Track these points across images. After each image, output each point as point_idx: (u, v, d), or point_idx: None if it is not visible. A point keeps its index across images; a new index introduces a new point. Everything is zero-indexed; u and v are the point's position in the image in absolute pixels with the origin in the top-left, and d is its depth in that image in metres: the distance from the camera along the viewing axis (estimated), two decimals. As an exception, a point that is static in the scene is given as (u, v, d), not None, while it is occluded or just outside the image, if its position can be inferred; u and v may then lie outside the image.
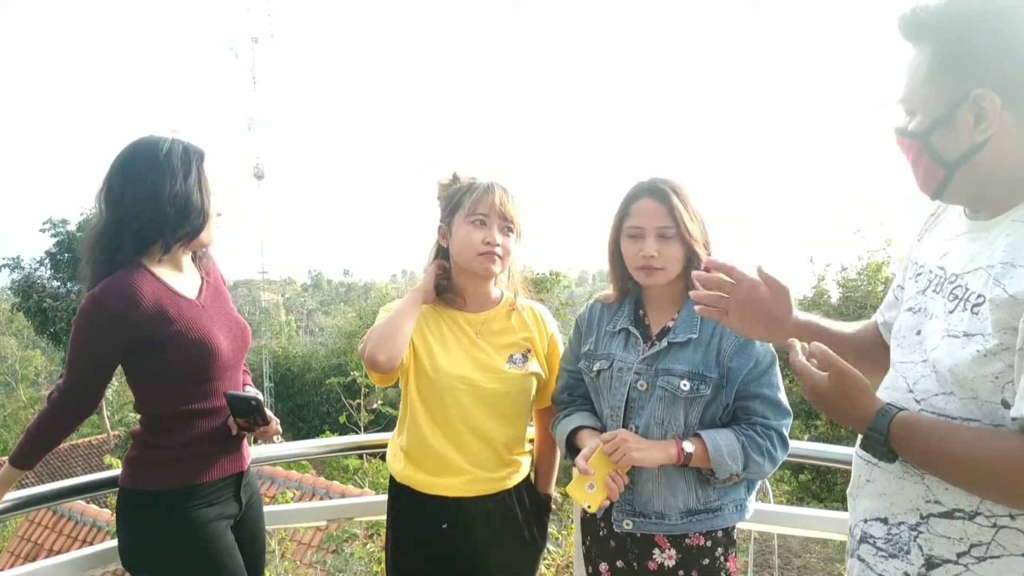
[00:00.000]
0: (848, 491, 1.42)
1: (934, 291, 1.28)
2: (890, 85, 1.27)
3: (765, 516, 2.36)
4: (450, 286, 2.02)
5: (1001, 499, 1.11)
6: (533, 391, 2.03)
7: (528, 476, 2.10)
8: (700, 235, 1.84)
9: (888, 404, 1.21)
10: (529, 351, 2.02)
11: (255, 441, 2.13)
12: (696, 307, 1.50)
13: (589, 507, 1.77)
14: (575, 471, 1.80)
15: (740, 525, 1.91)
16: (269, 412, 2.02)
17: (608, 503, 1.79)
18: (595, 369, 1.91)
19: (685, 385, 1.78)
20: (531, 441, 2.18)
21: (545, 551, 4.07)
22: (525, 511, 2.04)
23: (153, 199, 1.85)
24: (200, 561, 1.89)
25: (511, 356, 1.99)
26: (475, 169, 2.04)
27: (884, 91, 1.29)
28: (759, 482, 1.94)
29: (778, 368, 1.84)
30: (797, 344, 1.29)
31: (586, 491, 1.76)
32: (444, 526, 1.95)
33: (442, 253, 2.05)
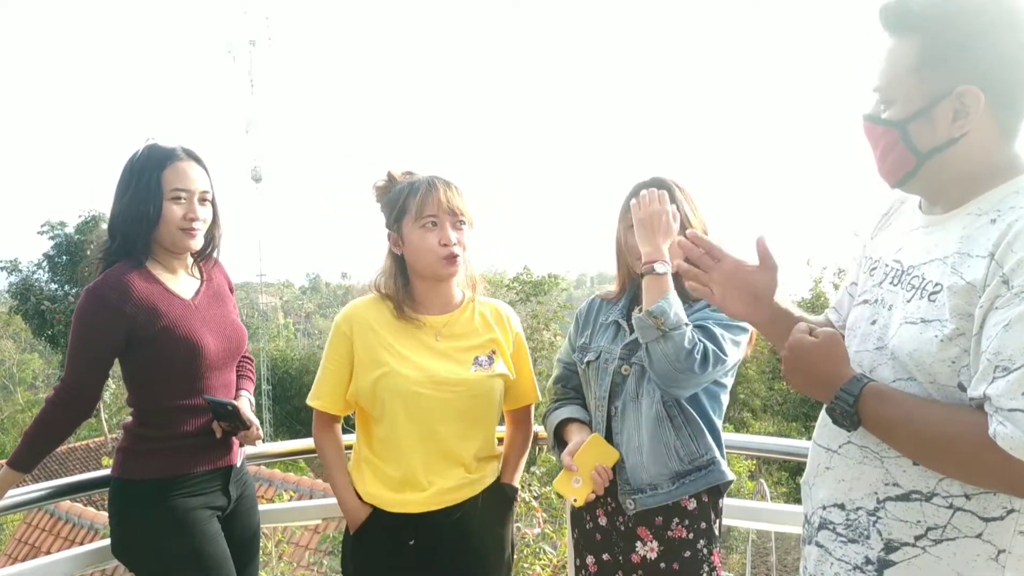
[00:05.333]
0: (803, 480, 1.45)
1: (891, 283, 1.31)
2: (865, 73, 1.28)
3: (764, 515, 2.36)
4: (408, 293, 1.92)
5: (954, 471, 1.15)
6: (500, 393, 1.96)
7: (497, 479, 2.02)
8: (700, 229, 1.88)
9: (863, 374, 1.25)
10: (495, 352, 1.95)
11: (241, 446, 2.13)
12: (686, 283, 1.49)
13: (575, 501, 1.84)
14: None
15: (739, 524, 1.91)
16: (253, 417, 2.04)
17: (594, 496, 1.85)
18: (585, 360, 1.98)
19: None
20: (500, 440, 2.12)
21: (542, 551, 4.08)
22: (493, 513, 1.98)
23: (114, 207, 1.97)
24: (182, 547, 1.91)
25: (476, 358, 1.91)
26: (409, 165, 1.97)
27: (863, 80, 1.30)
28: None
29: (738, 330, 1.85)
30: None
31: (572, 486, 1.82)
32: (411, 542, 1.89)
33: (398, 261, 1.94)
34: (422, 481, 1.87)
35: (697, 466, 1.85)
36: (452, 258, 1.84)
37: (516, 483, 2.09)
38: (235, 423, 1.98)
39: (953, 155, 1.20)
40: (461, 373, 1.88)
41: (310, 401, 1.95)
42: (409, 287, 1.94)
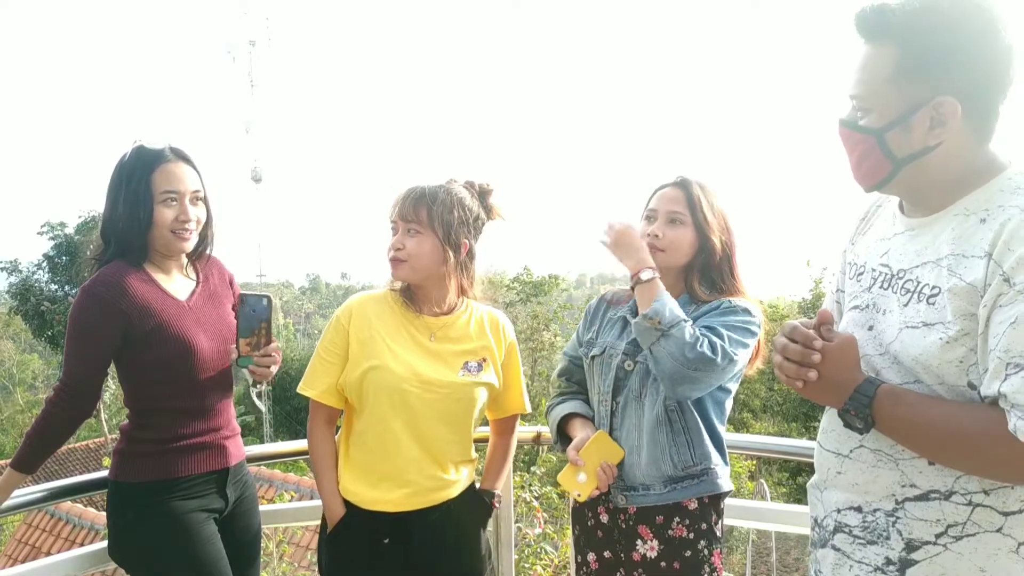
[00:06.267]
0: (811, 483, 1.44)
1: (881, 287, 1.31)
2: (841, 77, 1.28)
3: (764, 515, 2.37)
4: (408, 290, 1.99)
5: (973, 467, 1.16)
6: (483, 400, 1.98)
7: (472, 484, 2.05)
8: (719, 229, 1.91)
9: (874, 376, 1.24)
10: (485, 360, 1.99)
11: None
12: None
13: (579, 496, 1.85)
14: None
15: (739, 524, 1.91)
16: (275, 339, 2.01)
17: (597, 493, 1.86)
18: (591, 355, 2.00)
19: None
20: (481, 441, 2.15)
21: (543, 551, 4.09)
22: (469, 517, 2.01)
23: (105, 212, 1.97)
24: (178, 549, 1.91)
25: (466, 363, 1.96)
26: (411, 165, 2.03)
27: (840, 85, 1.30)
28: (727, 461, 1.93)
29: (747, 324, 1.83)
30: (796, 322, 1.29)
31: (577, 480, 1.84)
32: (386, 541, 1.91)
33: None
34: (399, 478, 1.90)
35: (690, 474, 1.85)
36: (392, 261, 1.92)
37: (497, 489, 2.12)
38: (259, 332, 1.93)
39: (930, 161, 1.21)
40: (448, 376, 1.92)
41: (304, 390, 1.96)
42: (409, 286, 1.99)
